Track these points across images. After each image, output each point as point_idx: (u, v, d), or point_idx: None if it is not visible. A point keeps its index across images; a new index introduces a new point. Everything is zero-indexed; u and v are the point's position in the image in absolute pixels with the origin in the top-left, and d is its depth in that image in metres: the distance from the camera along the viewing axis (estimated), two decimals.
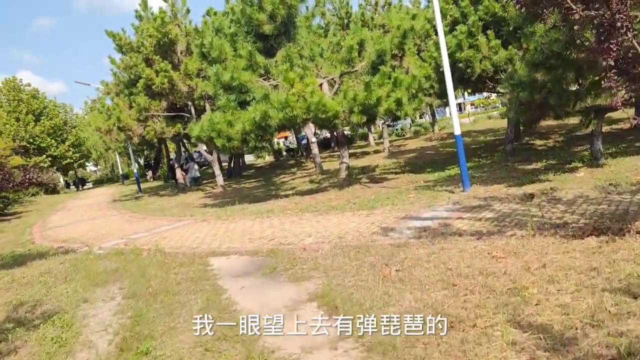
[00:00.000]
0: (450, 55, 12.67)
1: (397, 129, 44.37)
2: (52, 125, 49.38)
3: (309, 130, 19.75)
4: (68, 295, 7.04)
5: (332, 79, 15.09)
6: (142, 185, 33.92)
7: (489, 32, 12.39)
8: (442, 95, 15.48)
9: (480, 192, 9.78)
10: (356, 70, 14.03)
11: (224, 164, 34.82)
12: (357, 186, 13.96)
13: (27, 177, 15.69)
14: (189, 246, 9.27)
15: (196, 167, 25.84)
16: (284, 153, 41.51)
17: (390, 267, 5.76)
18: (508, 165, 12.99)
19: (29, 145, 47.06)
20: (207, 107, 19.46)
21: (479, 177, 11.82)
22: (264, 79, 13.96)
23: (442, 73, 13.04)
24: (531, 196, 8.37)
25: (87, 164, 75.29)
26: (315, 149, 20.22)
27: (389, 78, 12.45)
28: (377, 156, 24.08)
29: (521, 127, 15.20)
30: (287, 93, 12.12)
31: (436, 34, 14.25)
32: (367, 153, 29.49)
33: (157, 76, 17.80)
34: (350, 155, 29.93)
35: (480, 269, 5.18)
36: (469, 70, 12.31)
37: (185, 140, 29.62)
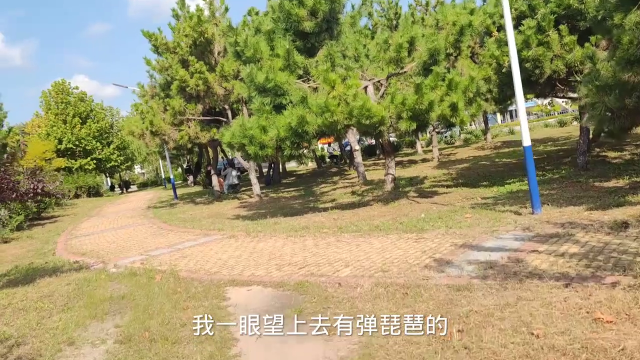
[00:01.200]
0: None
1: (445, 137, 42.40)
2: (98, 128, 49.75)
3: (353, 136, 18.35)
4: (56, 332, 5.87)
5: (378, 81, 13.68)
6: (181, 191, 33.31)
7: (561, 27, 10.69)
8: (502, 99, 13.83)
9: (555, 216, 8.14)
10: (405, 72, 12.57)
11: (264, 169, 33.88)
12: (404, 201, 12.46)
13: (34, 187, 14.89)
14: (208, 270, 8.03)
15: (234, 173, 24.82)
16: (327, 160, 40.18)
17: (451, 325, 4.31)
18: (581, 182, 11.22)
19: (74, 148, 47.58)
20: (245, 111, 18.36)
21: (549, 196, 10.14)
22: (303, 81, 12.67)
23: (505, 74, 11.48)
24: (625, 225, 6.70)
25: (134, 166, 76.38)
26: (358, 157, 18.83)
27: (443, 80, 10.92)
28: (426, 166, 22.44)
29: (591, 137, 13.36)
30: (327, 96, 10.78)
31: (498, 30, 12.69)
32: (414, 162, 27.84)
33: (191, 78, 16.81)
34: (397, 163, 28.32)
35: (583, 341, 3.66)
36: (537, 71, 10.62)
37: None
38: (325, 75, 10.83)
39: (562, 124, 36.20)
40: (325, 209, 13.46)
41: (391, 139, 20.46)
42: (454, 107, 10.65)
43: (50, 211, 27.35)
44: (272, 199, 18.68)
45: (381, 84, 14.02)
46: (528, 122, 33.95)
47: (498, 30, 12.33)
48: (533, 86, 11.54)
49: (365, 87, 12.77)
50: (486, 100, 14.54)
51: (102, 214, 23.20)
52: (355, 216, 11.30)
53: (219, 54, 18.48)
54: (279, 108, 12.08)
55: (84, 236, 15.28)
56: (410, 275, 5.93)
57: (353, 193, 16.15)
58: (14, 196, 11.38)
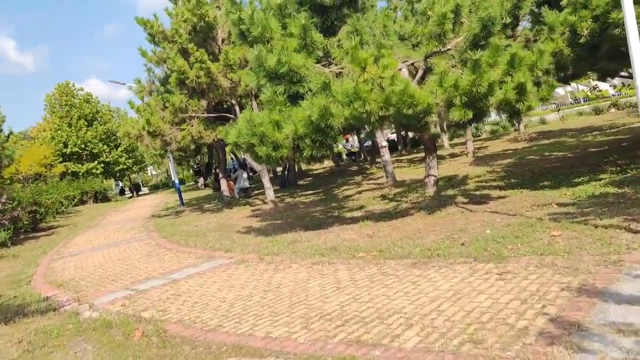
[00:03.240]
0: (597, 18, 8.62)
1: (471, 129, 39.75)
2: (105, 131, 47.91)
3: (378, 131, 15.97)
4: None
5: (412, 64, 11.31)
6: (190, 195, 31.18)
7: None
8: (569, 78, 11.38)
9: None
10: (448, 50, 10.16)
11: (277, 170, 31.57)
12: (452, 208, 10.09)
13: None
14: (206, 322, 5.77)
15: (245, 175, 22.57)
16: (344, 157, 37.73)
17: None
18: None
19: (81, 151, 45.76)
20: (255, 105, 16.06)
21: None
22: (323, 66, 10.33)
23: (583, 45, 9.03)
24: None
25: (147, 168, 74.69)
26: (386, 155, 16.45)
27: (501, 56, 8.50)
28: (459, 162, 19.99)
29: None
30: (356, 80, 8.43)
31: None
32: (442, 157, 25.34)
33: (191, 69, 14.54)
34: (422, 160, 25.93)
35: None
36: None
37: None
38: (354, 53, 8.48)
39: (597, 111, 33.41)
40: (354, 220, 11.12)
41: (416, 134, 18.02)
42: (521, 89, 8.24)
43: (50, 220, 25.39)
44: (289, 205, 16.37)
45: (415, 68, 11.66)
46: (562, 109, 30.88)
47: None
48: (619, 59, 9.07)
49: (399, 70, 10.39)
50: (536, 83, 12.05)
51: (101, 225, 21.10)
52: (396, 231, 8.95)
53: (223, 41, 16.18)
54: (294, 98, 9.77)
55: (71, 256, 13.11)
56: (524, 356, 3.59)
57: (384, 198, 13.78)
58: None
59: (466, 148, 21.64)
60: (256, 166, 17.08)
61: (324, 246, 8.67)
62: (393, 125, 11.99)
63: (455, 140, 35.89)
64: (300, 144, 9.48)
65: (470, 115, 8.30)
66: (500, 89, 8.36)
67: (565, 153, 15.80)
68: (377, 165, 25.55)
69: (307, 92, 9.53)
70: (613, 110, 33.10)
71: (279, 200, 17.53)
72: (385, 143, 16.55)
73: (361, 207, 12.83)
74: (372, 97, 8.43)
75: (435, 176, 11.06)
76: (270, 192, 16.43)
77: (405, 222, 9.69)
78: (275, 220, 13.56)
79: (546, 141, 22.74)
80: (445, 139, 30.38)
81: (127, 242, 14.02)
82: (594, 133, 21.53)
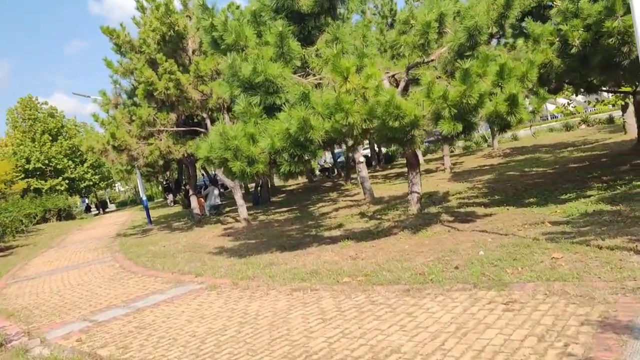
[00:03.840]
0: (589, 28, 8.25)
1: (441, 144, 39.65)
2: (70, 146, 46.34)
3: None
4: None
5: (393, 75, 10.81)
6: (159, 212, 30.11)
7: None
8: (557, 90, 11.02)
9: None
10: (431, 61, 9.70)
11: (249, 186, 30.74)
12: (437, 227, 9.54)
13: None
14: None
15: (217, 192, 21.72)
16: (317, 173, 37.12)
17: None
18: None
19: (44, 167, 44.10)
20: (227, 119, 15.37)
21: None
22: (300, 76, 9.74)
23: (575, 56, 8.65)
24: None
25: (115, 184, 72.75)
26: (363, 171, 15.91)
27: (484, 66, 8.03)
28: (437, 178, 19.59)
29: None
30: (338, 91, 7.85)
31: None
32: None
33: (160, 80, 13.78)
34: (398, 176, 25.56)
35: None
36: (624, 48, 7.76)
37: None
38: (336, 61, 7.92)
39: (568, 127, 33.66)
40: (333, 240, 10.48)
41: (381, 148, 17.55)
42: (512, 101, 7.78)
43: (9, 240, 24.04)
44: (263, 224, 15.63)
45: (396, 80, 11.17)
46: (535, 124, 30.60)
47: None
48: (611, 71, 8.72)
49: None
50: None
51: (63, 244, 19.97)
52: (380, 252, 8.34)
53: (193, 52, 15.49)
54: (271, 110, 9.14)
55: (27, 280, 12.12)
56: None
57: (362, 215, 13.19)
58: None
59: (443, 164, 21.26)
60: (228, 183, 16.32)
61: (304, 269, 7.98)
62: (367, 141, 11.38)
63: (429, 156, 35.76)
64: (277, 159, 8.84)
65: (459, 128, 7.79)
66: (490, 100, 7.89)
67: (545, 169, 15.51)
68: (352, 181, 25.03)
69: (284, 104, 8.93)
70: (583, 126, 33.40)
71: (252, 218, 16.78)
72: (362, 159, 16.03)
73: (340, 226, 12.20)
74: (355, 109, 7.86)
75: (418, 193, 10.52)
76: (243, 210, 15.68)
77: (389, 242, 9.09)
78: (249, 239, 12.82)
79: (521, 157, 22.61)
80: (419, 155, 30.08)
81: (89, 264, 13.06)
82: (569, 149, 21.46)
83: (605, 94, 25.78)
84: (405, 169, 28.38)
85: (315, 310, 5.88)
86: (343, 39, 9.34)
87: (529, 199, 11.04)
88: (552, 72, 8.88)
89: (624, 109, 21.39)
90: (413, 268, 6.89)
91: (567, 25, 8.34)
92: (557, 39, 8.76)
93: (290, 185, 31.92)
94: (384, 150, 36.99)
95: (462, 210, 11.06)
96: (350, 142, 9.21)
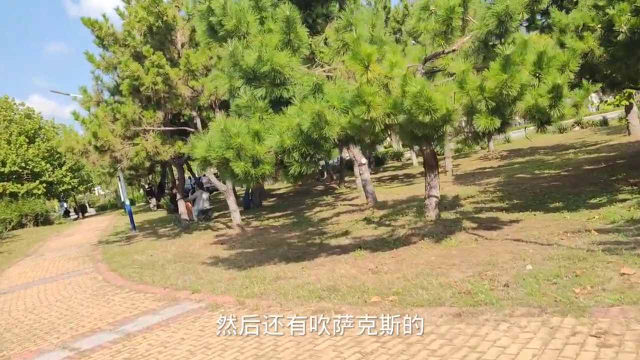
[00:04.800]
0: (639, 11, 7.38)
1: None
2: (48, 148, 44.55)
3: (356, 148, 14.44)
4: None
5: (408, 67, 9.84)
6: (142, 217, 28.80)
7: None
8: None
9: None
10: (452, 52, 8.75)
11: (237, 189, 29.55)
12: (461, 235, 8.59)
13: None
14: None
15: (205, 196, 20.56)
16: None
17: None
18: None
19: (21, 171, 42.32)
20: (219, 118, 14.26)
21: None
22: (307, 68, 8.73)
23: (622, 44, 7.77)
24: None
25: (95, 188, 70.83)
26: (366, 174, 14.94)
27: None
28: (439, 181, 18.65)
29: None
30: (359, 81, 6.85)
31: None
32: (413, 176, 24.20)
33: (146, 74, 12.65)
34: (392, 178, 24.66)
35: None
36: None
37: (190, 163, 24.46)
38: (355, 47, 6.91)
39: (561, 130, 33.09)
40: (343, 249, 9.47)
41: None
42: (557, 93, 6.86)
43: None
44: (258, 230, 14.55)
45: (416, 70, 10.24)
46: (525, 126, 29.45)
47: None
48: None
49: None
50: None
51: (41, 252, 18.64)
52: (404, 265, 7.35)
53: (182, 46, 14.37)
54: (277, 105, 8.12)
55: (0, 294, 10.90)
56: None
57: (369, 221, 12.20)
58: None
59: (444, 166, 20.39)
60: (220, 186, 15.21)
61: (319, 285, 6.96)
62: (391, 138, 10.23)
63: (420, 159, 34.88)
64: (284, 159, 7.80)
65: (497, 123, 6.84)
66: (532, 93, 6.96)
67: (557, 171, 14.69)
68: (345, 184, 24.07)
69: (292, 97, 7.93)
70: (577, 128, 32.89)
71: (245, 223, 15.69)
72: (364, 160, 15.07)
73: (346, 233, 11.19)
74: (377, 102, 6.86)
75: (437, 197, 9.58)
76: (236, 215, 14.59)
77: (410, 253, 8.11)
78: (245, 248, 11.74)
79: (521, 159, 21.90)
80: (413, 157, 29.26)
81: (69, 276, 11.87)
82: (571, 151, 20.78)
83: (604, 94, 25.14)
84: (399, 172, 27.53)
85: (348, 340, 4.86)
86: (357, 24, 8.33)
87: (554, 203, 10.15)
88: (593, 62, 8.00)
89: (628, 109, 20.77)
90: (452, 285, 5.91)
91: (613, 9, 7.46)
92: (599, 26, 7.88)
93: (279, 189, 30.85)
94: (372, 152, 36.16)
95: (482, 216, 10.14)
96: (369, 140, 8.21)
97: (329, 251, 9.54)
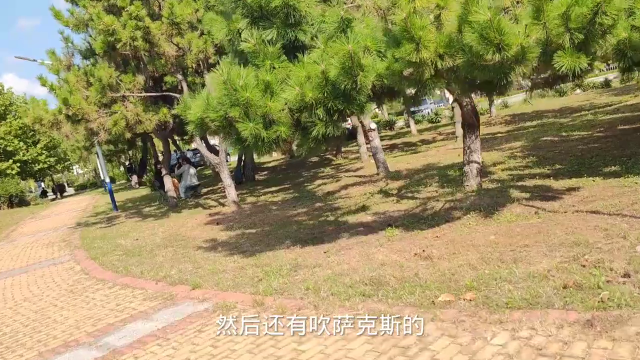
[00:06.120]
0: None
1: (423, 115, 37.33)
2: (21, 126, 42.13)
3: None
4: None
5: None
6: (123, 195, 26.99)
7: None
8: None
9: None
10: None
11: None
12: (515, 207, 7.13)
13: None
14: None
15: (193, 171, 18.88)
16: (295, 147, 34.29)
17: None
18: None
19: None
20: (208, 82, 12.53)
21: None
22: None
23: None
24: None
25: (73, 167, 68.30)
26: (375, 140, 13.37)
27: None
28: (448, 148, 17.22)
29: None
30: (408, 9, 5.22)
31: None
32: (414, 145, 22.67)
33: (124, 28, 10.82)
34: (392, 147, 23.12)
35: None
36: None
37: (176, 136, 22.65)
38: None
39: (561, 93, 31.72)
40: (368, 227, 7.95)
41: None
42: None
43: None
44: (256, 207, 12.97)
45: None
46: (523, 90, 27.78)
47: None
48: None
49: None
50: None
51: (12, 238, 16.89)
52: (460, 247, 5.85)
53: None
54: (291, 51, 6.48)
55: None
56: None
57: (386, 194, 10.69)
58: None
59: (455, 131, 18.86)
60: (212, 158, 13.53)
61: (357, 277, 5.43)
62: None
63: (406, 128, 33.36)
64: (302, 118, 6.20)
65: (584, 62, 5.27)
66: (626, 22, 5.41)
67: (588, 132, 13.24)
68: (342, 155, 22.53)
69: (313, 39, 6.31)
70: (578, 91, 31.59)
71: (240, 200, 14.07)
72: (374, 125, 13.48)
73: (364, 208, 9.65)
74: (429, 38, 5.27)
75: (478, 163, 8.10)
76: (231, 191, 12.99)
77: (458, 231, 6.62)
78: (246, 228, 10.18)
79: (530, 123, 20.44)
80: (412, 124, 27.70)
81: (42, 267, 10.23)
82: (582, 113, 19.37)
83: None
84: (396, 141, 25.98)
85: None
86: None
87: (608, 167, 8.70)
88: None
89: None
90: (546, 275, 4.43)
91: None
92: None
93: (269, 162, 29.20)
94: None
95: (526, 184, 8.65)
96: (412, 91, 6.63)
97: (350, 230, 8.03)
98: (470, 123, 8.03)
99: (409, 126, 33.91)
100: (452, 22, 5.43)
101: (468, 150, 8.11)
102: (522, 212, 6.90)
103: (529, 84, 7.89)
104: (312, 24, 6.40)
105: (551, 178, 8.69)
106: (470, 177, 8.15)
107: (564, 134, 13.78)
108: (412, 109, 32.40)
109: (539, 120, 20.65)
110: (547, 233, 5.73)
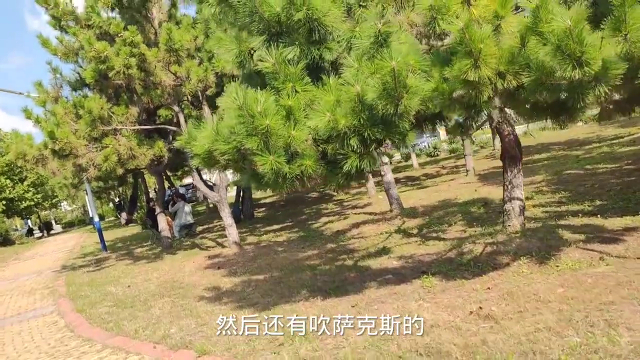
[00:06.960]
0: None
1: (420, 148, 36.67)
2: (7, 162, 40.90)
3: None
4: None
5: None
6: (113, 234, 25.76)
7: None
8: None
9: None
10: None
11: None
12: (573, 252, 6.15)
13: None
14: None
15: (188, 208, 17.81)
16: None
17: None
18: None
19: None
20: (207, 112, 11.66)
21: None
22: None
23: None
24: None
25: (60, 203, 66.74)
26: (388, 175, 12.44)
27: None
28: (460, 183, 16.32)
29: None
30: (465, 20, 4.34)
31: None
32: (416, 178, 21.80)
33: (117, 55, 9.92)
34: (396, 182, 22.18)
35: None
36: None
37: (169, 171, 21.66)
38: None
39: (562, 126, 31.13)
40: (396, 275, 6.93)
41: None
42: None
43: None
44: (260, 248, 11.89)
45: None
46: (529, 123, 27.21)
47: None
48: None
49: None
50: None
51: None
52: (524, 302, 4.84)
53: (160, 24, 11.66)
54: (314, 72, 5.57)
55: None
56: None
57: (406, 234, 9.70)
58: None
59: (465, 165, 18.02)
60: (212, 195, 12.49)
61: (407, 345, 4.39)
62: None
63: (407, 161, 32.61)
64: (329, 150, 5.25)
65: None
66: None
67: (616, 165, 12.41)
68: (344, 190, 21.54)
69: (337, 61, 5.44)
70: (580, 123, 31.09)
71: (240, 240, 12.99)
72: (386, 159, 12.59)
73: (385, 250, 8.64)
74: (490, 52, 4.38)
75: (521, 200, 7.14)
76: (232, 231, 11.92)
77: (512, 281, 5.61)
78: (252, 274, 9.10)
79: (539, 156, 19.70)
80: (414, 158, 26.89)
81: (20, 321, 9.04)
82: (594, 145, 18.67)
83: None
84: (397, 175, 25.10)
85: None
86: None
87: None
88: None
89: None
90: None
91: None
92: None
93: (265, 198, 28.18)
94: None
95: (571, 223, 7.70)
96: (462, 116, 5.72)
97: (377, 278, 6.99)
98: (513, 155, 7.13)
99: (407, 160, 33.23)
100: (511, 35, 4.57)
101: (510, 186, 7.18)
102: (582, 257, 5.92)
103: (598, 108, 7.11)
104: (339, 41, 5.53)
105: (598, 216, 7.75)
106: (512, 216, 7.20)
107: (588, 167, 12.93)
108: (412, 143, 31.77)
109: (548, 153, 19.92)
110: (630, 285, 4.75)
